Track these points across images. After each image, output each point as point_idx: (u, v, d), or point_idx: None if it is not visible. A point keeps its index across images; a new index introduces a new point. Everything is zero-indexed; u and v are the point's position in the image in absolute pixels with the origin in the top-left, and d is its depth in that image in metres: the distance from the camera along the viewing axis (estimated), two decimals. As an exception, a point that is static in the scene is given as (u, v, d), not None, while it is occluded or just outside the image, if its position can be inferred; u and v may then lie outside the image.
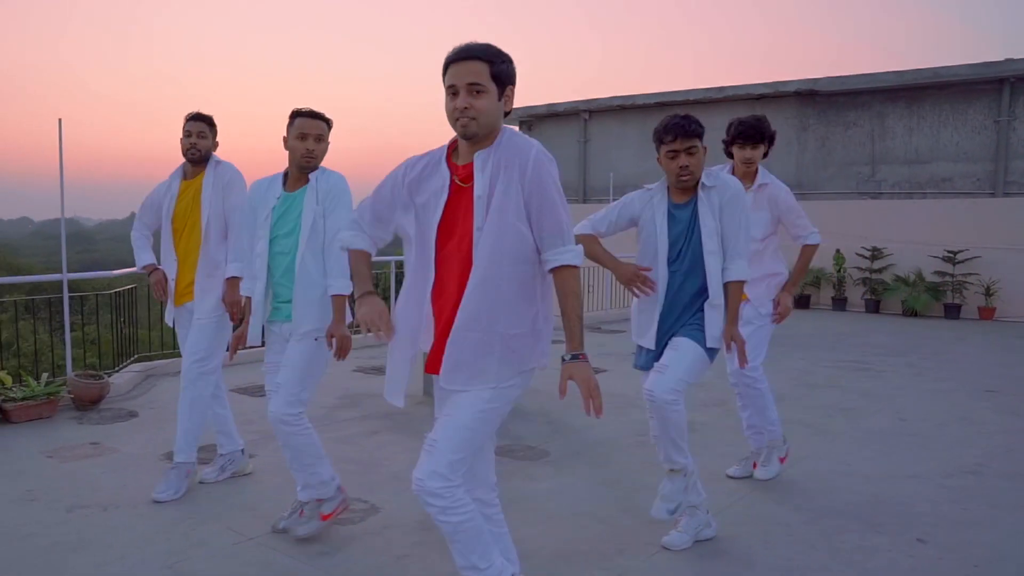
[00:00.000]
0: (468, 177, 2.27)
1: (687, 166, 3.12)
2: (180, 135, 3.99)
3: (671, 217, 3.23)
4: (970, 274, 12.24)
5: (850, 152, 15.11)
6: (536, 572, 3.05)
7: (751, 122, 3.89)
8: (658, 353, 3.25)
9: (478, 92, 2.19)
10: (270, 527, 3.48)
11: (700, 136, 3.14)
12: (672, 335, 3.23)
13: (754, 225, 3.65)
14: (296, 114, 3.36)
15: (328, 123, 3.42)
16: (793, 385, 6.75)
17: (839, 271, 13.36)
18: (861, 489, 4.09)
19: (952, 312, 12.28)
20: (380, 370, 6.87)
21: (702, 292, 3.19)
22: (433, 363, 2.37)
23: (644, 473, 4.23)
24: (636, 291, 3.29)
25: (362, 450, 4.73)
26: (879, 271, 13.11)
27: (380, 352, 7.72)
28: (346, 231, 2.49)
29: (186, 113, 4.01)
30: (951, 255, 12.29)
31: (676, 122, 3.12)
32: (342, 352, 3.20)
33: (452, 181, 2.28)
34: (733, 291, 3.18)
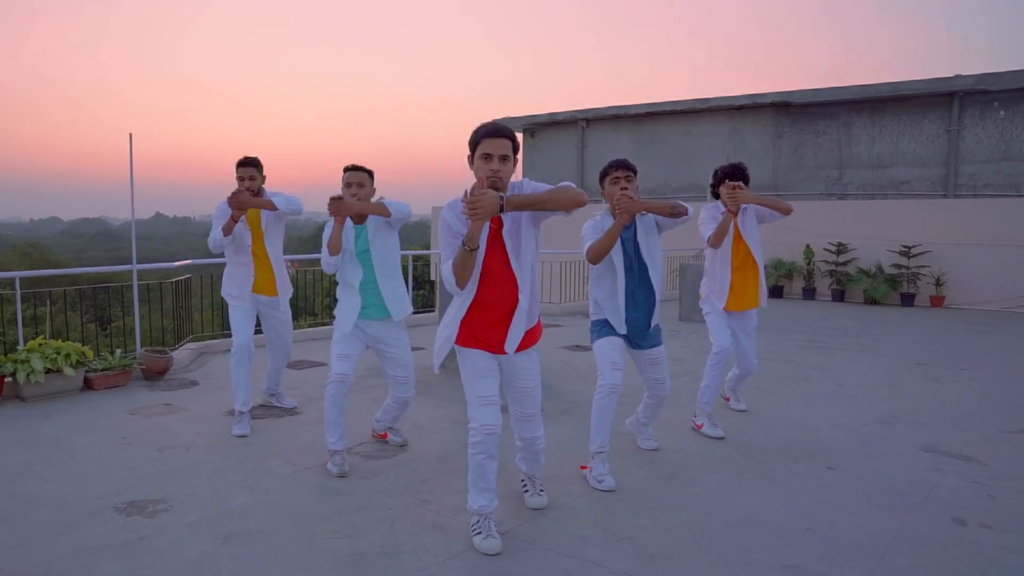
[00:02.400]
0: (498, 220, 3.02)
1: (626, 189, 3.85)
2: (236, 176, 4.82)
3: (623, 237, 3.92)
4: (923, 266, 12.91)
5: (820, 157, 15.77)
6: (529, 488, 3.76)
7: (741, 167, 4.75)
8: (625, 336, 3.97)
9: (505, 160, 2.95)
10: (321, 462, 4.19)
11: (636, 172, 3.92)
12: (643, 330, 3.96)
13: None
14: (344, 169, 4.17)
15: (369, 173, 4.17)
16: (754, 360, 7.44)
17: (809, 264, 14.03)
18: (794, 435, 4.80)
19: (907, 300, 12.96)
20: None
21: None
22: (495, 344, 3.10)
23: (616, 424, 4.92)
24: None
25: (389, 408, 5.44)
26: (844, 264, 13.78)
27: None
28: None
29: (239, 158, 4.83)
30: (906, 250, 12.96)
31: (621, 162, 3.93)
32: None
33: (492, 227, 3.02)
34: None
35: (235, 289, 4.92)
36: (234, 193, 4.62)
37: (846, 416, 5.28)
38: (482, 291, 3.07)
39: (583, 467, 4.00)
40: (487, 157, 2.95)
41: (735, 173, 4.71)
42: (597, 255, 3.84)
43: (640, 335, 3.98)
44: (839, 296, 13.72)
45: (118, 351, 6.51)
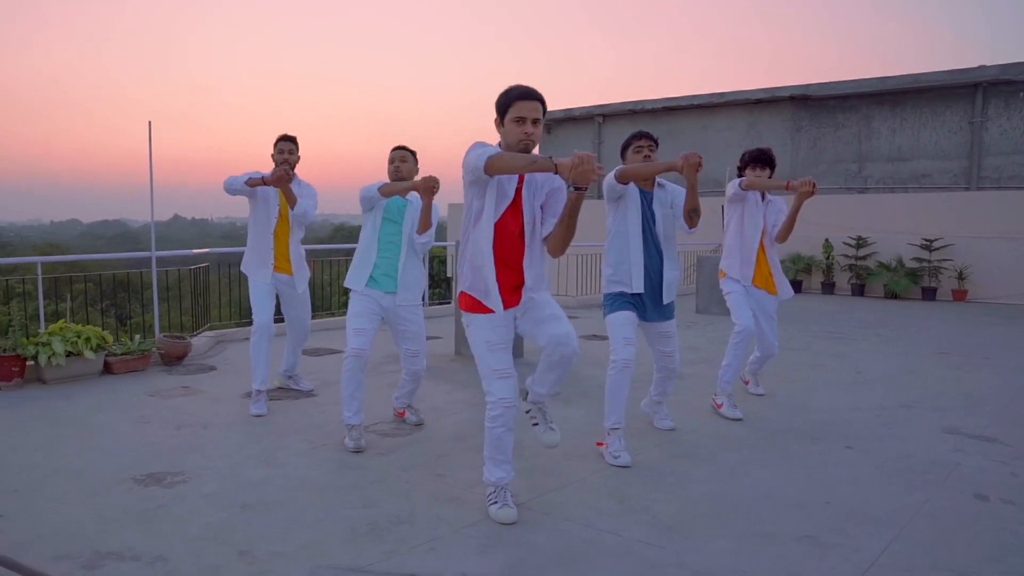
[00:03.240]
0: (522, 179, 3.04)
1: (649, 157, 3.95)
2: (273, 152, 4.89)
3: (643, 200, 3.96)
4: (945, 260, 12.77)
5: (839, 151, 15.65)
6: (551, 466, 3.78)
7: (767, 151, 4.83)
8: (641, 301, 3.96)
9: (537, 123, 2.93)
10: (337, 440, 4.21)
11: (657, 142, 3.99)
12: (657, 301, 3.96)
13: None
14: (393, 149, 4.28)
15: (412, 153, 4.30)
16: (772, 349, 7.39)
17: (828, 258, 13.91)
18: (812, 417, 4.77)
19: (929, 295, 12.81)
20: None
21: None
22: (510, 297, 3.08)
23: (632, 406, 4.91)
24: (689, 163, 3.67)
25: (405, 391, 5.46)
26: (864, 258, 13.65)
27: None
28: (482, 150, 2.90)
29: (279, 135, 4.92)
30: (928, 243, 12.81)
31: (645, 132, 4.02)
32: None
33: (518, 184, 3.04)
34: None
35: (255, 262, 4.94)
36: (281, 173, 4.58)
37: (865, 401, 5.23)
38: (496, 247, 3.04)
39: (599, 444, 4.00)
40: (521, 120, 2.92)
41: (761, 158, 4.78)
42: (629, 177, 3.82)
43: (653, 305, 3.97)
44: (859, 291, 13.59)
45: (137, 336, 6.59)
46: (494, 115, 3.04)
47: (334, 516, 3.13)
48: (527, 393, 3.33)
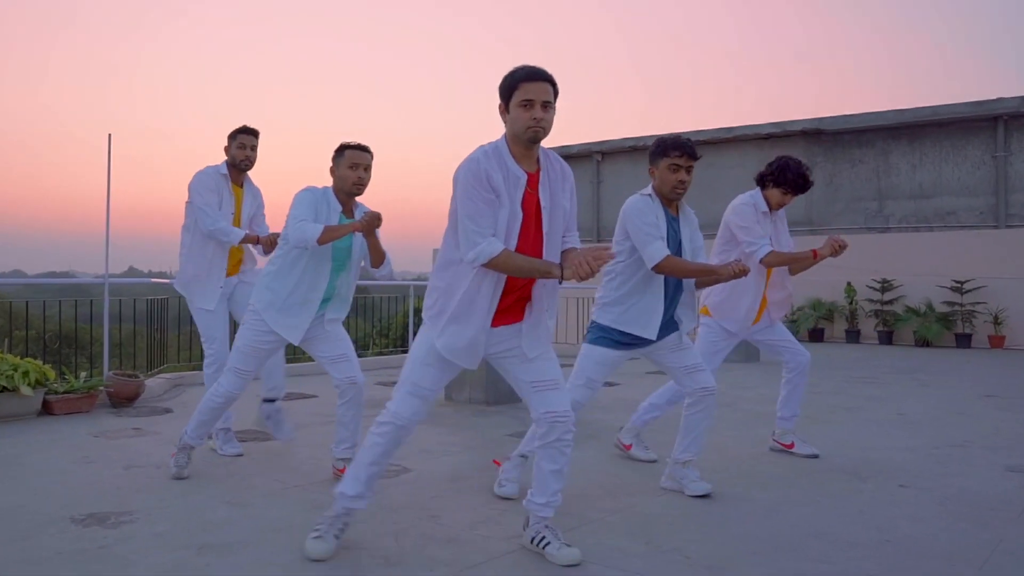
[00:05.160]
0: (535, 185, 2.79)
1: (684, 181, 3.51)
2: (229, 146, 4.50)
3: (670, 229, 3.57)
4: (978, 303, 12.69)
5: (857, 188, 15.73)
6: (564, 506, 3.52)
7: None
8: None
9: (547, 107, 2.71)
10: (311, 480, 3.96)
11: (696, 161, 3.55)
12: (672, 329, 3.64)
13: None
14: (346, 147, 3.73)
15: (371, 155, 3.81)
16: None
17: (851, 303, 13.81)
18: (855, 455, 4.57)
19: (963, 341, 12.69)
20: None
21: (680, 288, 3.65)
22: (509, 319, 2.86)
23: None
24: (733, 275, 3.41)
25: (389, 432, 5.22)
26: (890, 303, 13.57)
27: (396, 371, 8.21)
28: (483, 243, 2.67)
29: (238, 127, 4.51)
30: (959, 285, 12.76)
31: (685, 142, 3.51)
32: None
33: (526, 189, 2.78)
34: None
35: (201, 274, 4.52)
36: (272, 238, 4.30)
37: (912, 440, 5.04)
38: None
39: (495, 462, 3.92)
40: (527, 104, 2.69)
41: (801, 186, 4.25)
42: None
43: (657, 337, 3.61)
44: (886, 338, 13.46)
45: (83, 373, 6.32)
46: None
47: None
48: (528, 520, 2.99)
